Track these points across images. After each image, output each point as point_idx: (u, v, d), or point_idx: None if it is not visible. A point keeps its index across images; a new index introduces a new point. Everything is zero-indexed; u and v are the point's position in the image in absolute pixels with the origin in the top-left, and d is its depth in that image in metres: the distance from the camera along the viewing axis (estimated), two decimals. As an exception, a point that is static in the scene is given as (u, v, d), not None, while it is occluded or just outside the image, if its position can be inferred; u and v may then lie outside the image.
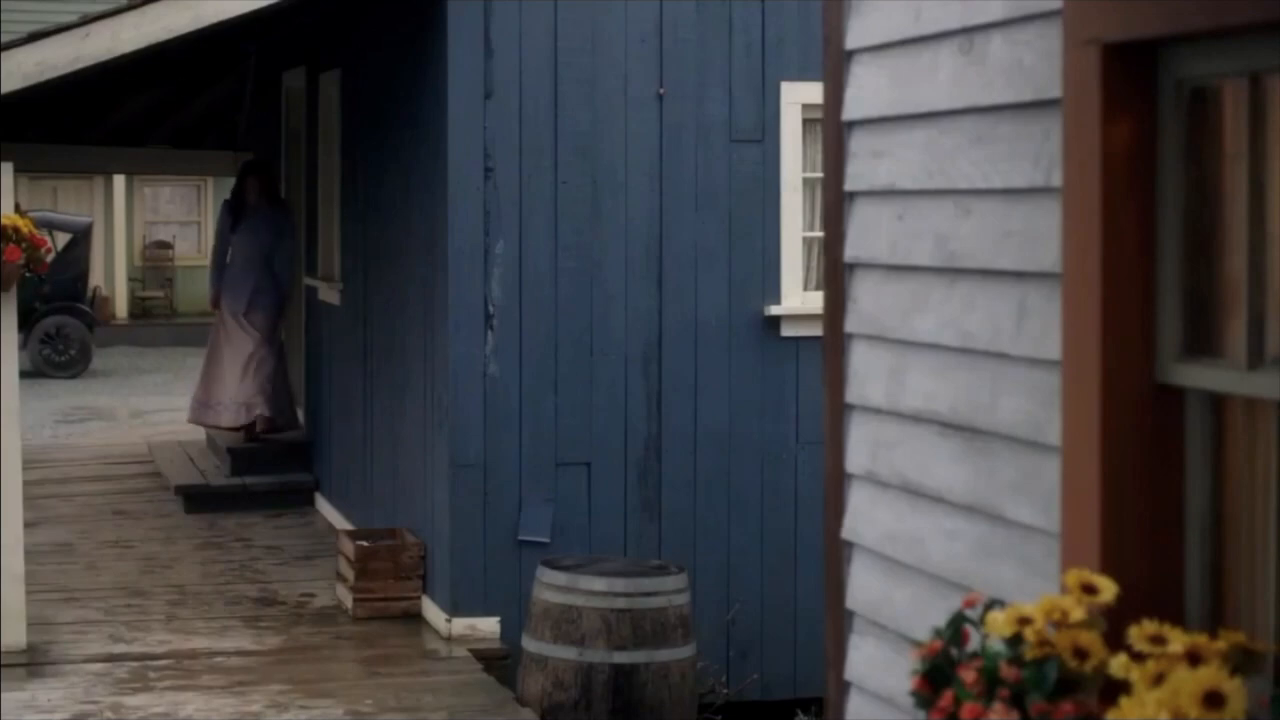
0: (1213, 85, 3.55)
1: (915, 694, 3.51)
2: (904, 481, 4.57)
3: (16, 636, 9.48)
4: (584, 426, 10.22)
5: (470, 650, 9.81)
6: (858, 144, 4.84)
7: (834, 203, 4.97)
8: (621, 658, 8.91)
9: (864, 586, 4.80)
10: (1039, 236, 3.95)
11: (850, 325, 4.88)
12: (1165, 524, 3.63)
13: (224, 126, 17.75)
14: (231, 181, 15.29)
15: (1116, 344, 3.64)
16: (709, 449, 10.39)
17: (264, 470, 13.79)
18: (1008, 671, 3.33)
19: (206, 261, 31.26)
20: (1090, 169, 3.67)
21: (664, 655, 8.98)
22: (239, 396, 14.02)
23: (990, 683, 3.35)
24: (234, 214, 14.37)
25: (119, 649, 9.73)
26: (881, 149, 4.72)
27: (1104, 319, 3.64)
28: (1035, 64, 3.95)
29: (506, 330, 10.11)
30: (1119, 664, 3.23)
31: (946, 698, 3.41)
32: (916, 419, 4.51)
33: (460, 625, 10.04)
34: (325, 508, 13.46)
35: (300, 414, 14.29)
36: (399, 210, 11.23)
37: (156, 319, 31.25)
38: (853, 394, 4.87)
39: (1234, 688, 3.03)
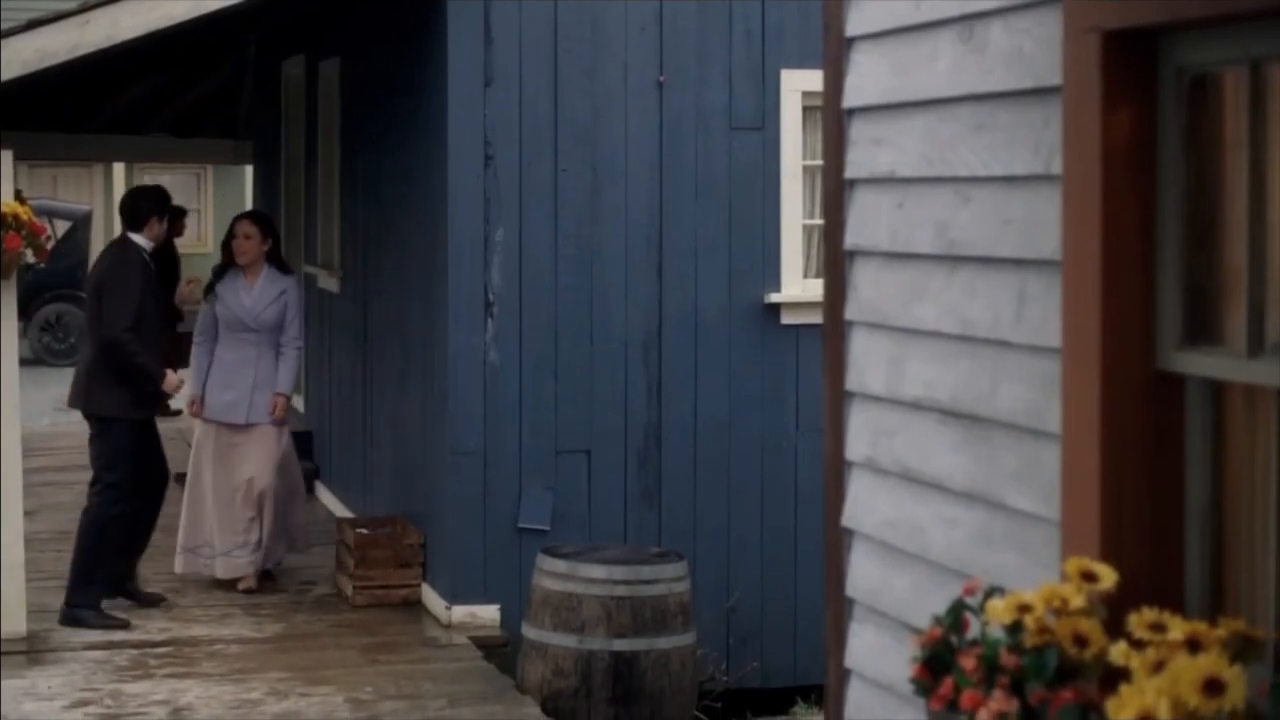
0: (1213, 73, 3.55)
1: (915, 681, 3.51)
2: (904, 469, 4.57)
3: (16, 624, 9.48)
4: (584, 415, 10.22)
5: (470, 638, 9.82)
6: (858, 131, 4.84)
7: (834, 190, 4.97)
8: (621, 645, 8.91)
9: (864, 574, 4.80)
10: (1039, 224, 3.94)
11: (850, 313, 4.88)
12: (1165, 511, 3.63)
13: (224, 114, 17.76)
14: (232, 171, 14.91)
15: (1116, 331, 3.64)
16: (709, 437, 10.39)
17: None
18: (1008, 659, 3.33)
19: (207, 249, 31.39)
20: (1090, 157, 3.66)
21: (664, 643, 8.98)
22: (245, 539, 10.52)
23: (990, 670, 3.35)
24: (219, 275, 10.67)
25: (118, 636, 9.72)
26: (881, 137, 4.71)
27: (1104, 306, 3.64)
28: (1035, 52, 3.95)
29: (506, 318, 10.10)
30: (1119, 652, 3.23)
31: (946, 685, 3.41)
32: (917, 406, 4.51)
33: (460, 613, 10.05)
34: (325, 495, 13.46)
35: (300, 402, 14.29)
36: (399, 198, 11.22)
37: (156, 307, 31.20)
38: (853, 382, 4.87)
39: (1234, 675, 3.03)
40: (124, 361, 9.79)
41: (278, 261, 10.71)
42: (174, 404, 10.74)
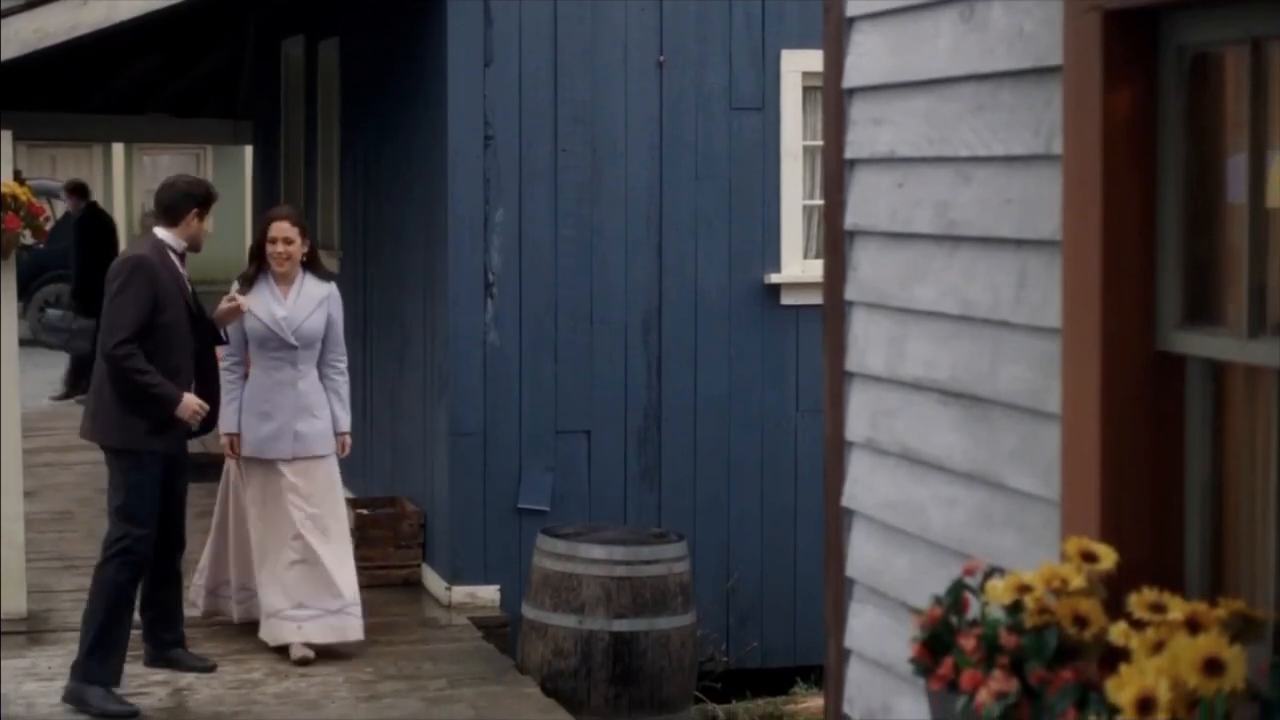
0: (1214, 52, 3.54)
1: (915, 662, 3.51)
2: (904, 449, 4.57)
3: (17, 604, 9.49)
4: (584, 395, 10.22)
5: (470, 618, 9.82)
6: (858, 111, 4.83)
7: (834, 170, 4.96)
8: (621, 626, 8.92)
9: (864, 554, 4.80)
10: (1039, 204, 3.94)
11: (850, 293, 4.88)
12: (1165, 492, 3.63)
13: (223, 94, 17.74)
14: (232, 151, 14.71)
15: (1117, 312, 3.64)
16: (709, 417, 10.39)
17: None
18: (1007, 639, 3.33)
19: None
20: (1091, 137, 3.66)
21: (664, 623, 8.99)
22: (332, 603, 8.98)
23: (990, 650, 3.35)
24: (247, 285, 8.95)
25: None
26: (882, 116, 4.71)
27: (1104, 287, 3.64)
28: (1036, 31, 3.94)
29: (506, 299, 10.10)
30: (1119, 632, 3.23)
31: (946, 665, 3.41)
32: (917, 387, 4.51)
33: (460, 593, 10.05)
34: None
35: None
36: (398, 178, 11.21)
37: (156, 287, 31.21)
38: (853, 362, 4.86)
39: (1233, 655, 3.02)
40: (125, 381, 8.13)
41: (315, 266, 9.09)
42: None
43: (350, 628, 8.96)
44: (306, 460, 8.98)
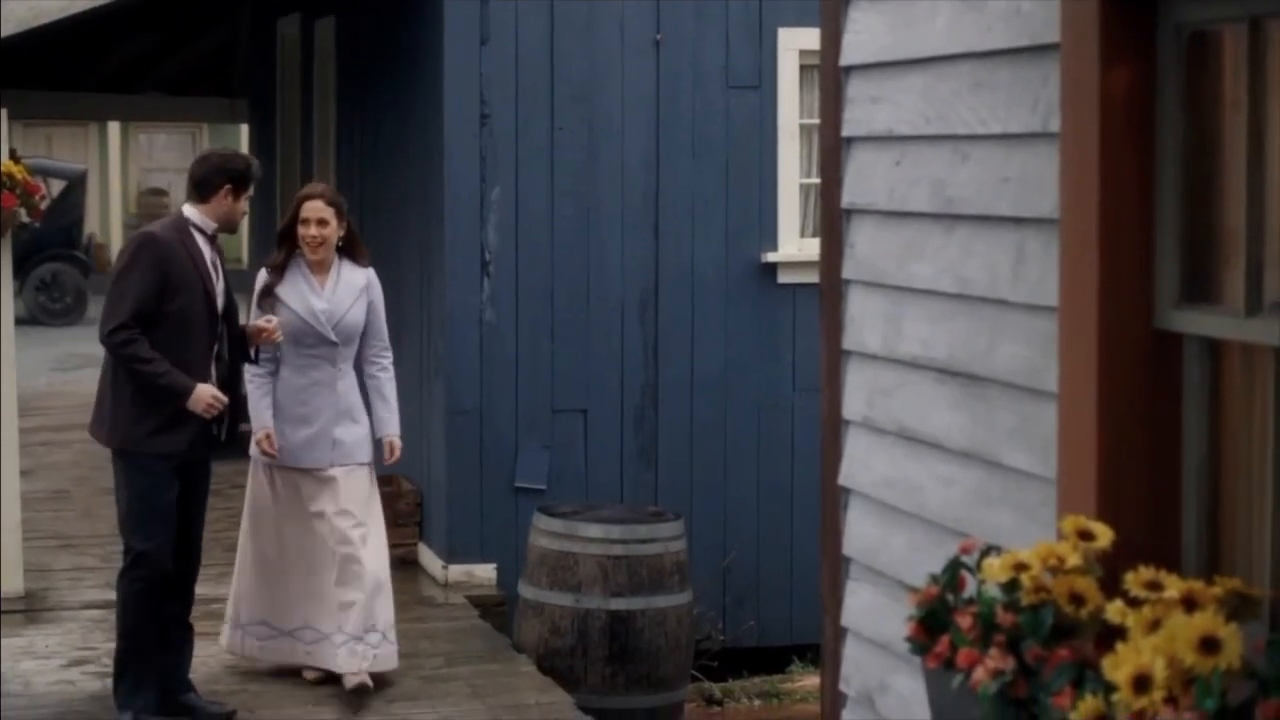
0: (1212, 30, 3.54)
1: (911, 640, 3.51)
2: (901, 428, 4.57)
3: (14, 583, 9.49)
4: (581, 373, 10.22)
5: (467, 597, 9.83)
6: (855, 89, 4.83)
7: (831, 149, 4.96)
8: (618, 604, 8.92)
9: (861, 533, 4.81)
10: (1037, 182, 3.93)
11: (847, 271, 4.87)
12: (1162, 470, 3.63)
13: (219, 73, 17.71)
14: (228, 130, 14.60)
15: (1114, 290, 3.64)
16: (706, 396, 10.39)
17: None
18: (1004, 617, 3.33)
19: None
20: (1088, 114, 3.65)
21: (660, 602, 8.99)
22: (362, 625, 7.98)
23: (986, 628, 3.35)
24: (278, 274, 8.03)
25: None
26: (879, 94, 4.70)
27: (1102, 265, 3.63)
28: (1034, 9, 3.94)
29: (503, 277, 10.09)
30: (1115, 610, 3.23)
31: (942, 643, 3.41)
32: (914, 365, 4.50)
33: (457, 572, 10.06)
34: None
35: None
36: (395, 157, 11.20)
37: (152, 266, 31.21)
38: (850, 340, 4.86)
39: (1229, 633, 3.03)
40: (128, 371, 7.27)
41: (353, 251, 8.14)
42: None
43: (386, 655, 8.09)
44: (345, 468, 7.99)
